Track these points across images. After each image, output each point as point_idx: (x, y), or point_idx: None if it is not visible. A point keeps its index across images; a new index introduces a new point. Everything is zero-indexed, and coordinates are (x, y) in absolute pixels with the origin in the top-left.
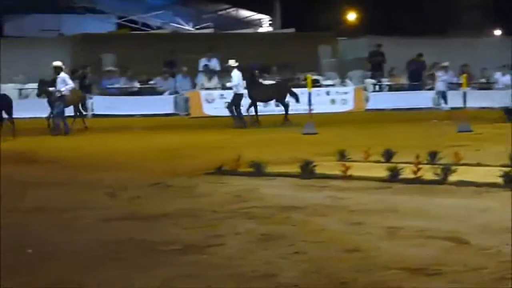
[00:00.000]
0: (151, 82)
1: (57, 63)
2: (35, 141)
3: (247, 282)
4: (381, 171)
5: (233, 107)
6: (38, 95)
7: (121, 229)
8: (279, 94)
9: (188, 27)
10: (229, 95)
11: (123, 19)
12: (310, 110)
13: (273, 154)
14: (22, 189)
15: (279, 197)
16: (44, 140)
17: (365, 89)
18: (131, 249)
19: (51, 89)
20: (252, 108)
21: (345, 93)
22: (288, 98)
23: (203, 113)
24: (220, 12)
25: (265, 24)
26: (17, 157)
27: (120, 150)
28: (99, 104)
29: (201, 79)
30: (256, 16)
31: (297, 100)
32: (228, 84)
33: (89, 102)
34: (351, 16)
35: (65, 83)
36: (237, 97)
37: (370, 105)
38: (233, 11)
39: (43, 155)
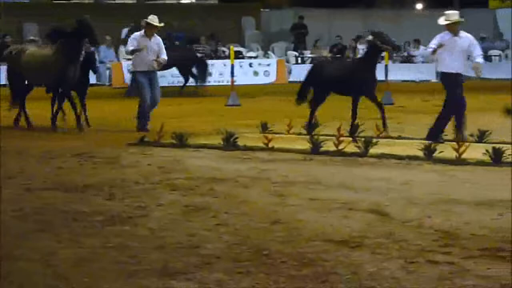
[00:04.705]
0: None
1: None
2: None
3: (170, 254)
4: (304, 143)
5: None
6: None
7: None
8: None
9: None
10: None
11: None
12: (233, 82)
13: (196, 125)
14: None
15: (202, 169)
16: None
17: (287, 61)
18: (56, 220)
19: None
20: None
21: (268, 65)
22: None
23: (125, 83)
24: None
25: None
26: None
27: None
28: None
29: (122, 49)
30: None
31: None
32: None
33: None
34: None
35: None
36: None
37: (293, 77)
38: None
39: None
